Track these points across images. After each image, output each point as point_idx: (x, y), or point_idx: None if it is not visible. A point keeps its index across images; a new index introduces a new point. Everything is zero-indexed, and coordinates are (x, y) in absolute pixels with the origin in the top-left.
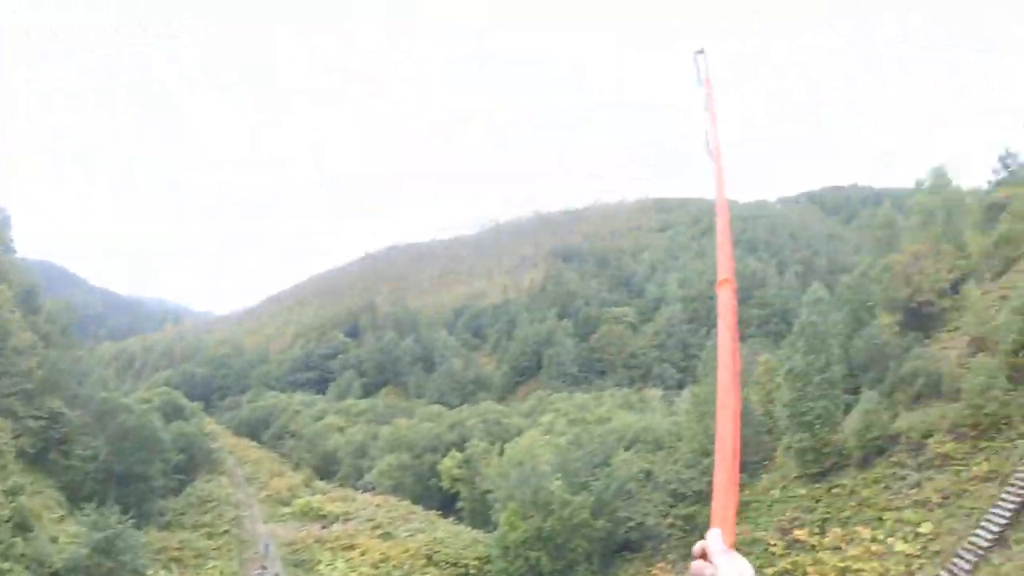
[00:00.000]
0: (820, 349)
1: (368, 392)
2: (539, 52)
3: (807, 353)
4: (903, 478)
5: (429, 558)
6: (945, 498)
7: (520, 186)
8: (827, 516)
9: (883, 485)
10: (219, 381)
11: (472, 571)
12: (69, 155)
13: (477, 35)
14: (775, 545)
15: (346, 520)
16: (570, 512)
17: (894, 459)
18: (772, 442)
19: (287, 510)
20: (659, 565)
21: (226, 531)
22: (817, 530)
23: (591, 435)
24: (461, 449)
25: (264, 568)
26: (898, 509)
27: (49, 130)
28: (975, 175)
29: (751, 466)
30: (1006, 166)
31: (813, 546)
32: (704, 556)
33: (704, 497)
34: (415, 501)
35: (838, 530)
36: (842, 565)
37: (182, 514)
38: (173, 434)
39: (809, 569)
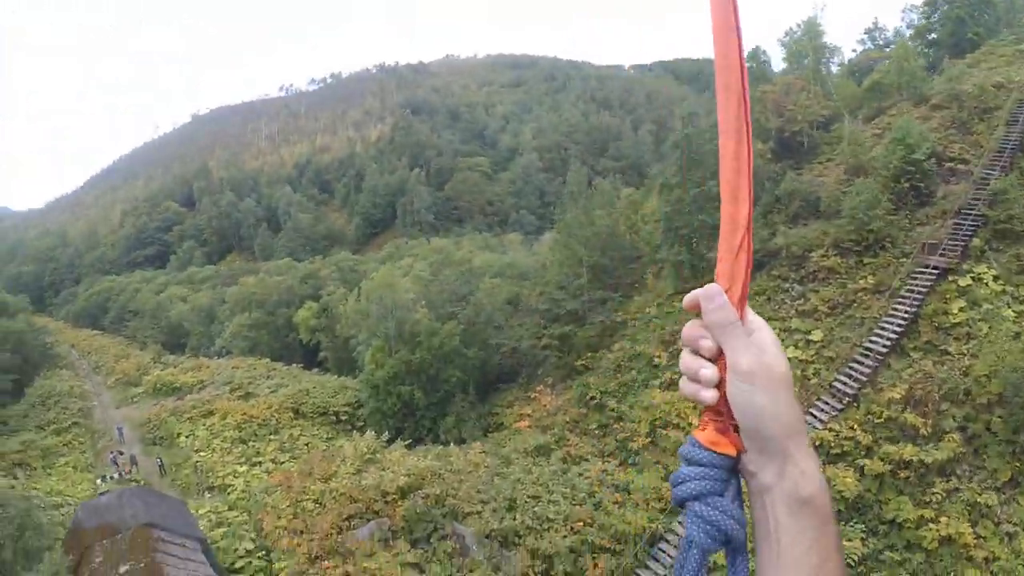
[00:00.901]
0: (695, 164)
1: (212, 261)
2: None
3: (682, 169)
4: (787, 290)
5: (296, 410)
6: (833, 308)
7: (362, 39)
8: None
9: (766, 296)
10: (49, 276)
11: (343, 417)
12: None
13: None
14: (659, 356)
15: (201, 388)
16: (439, 341)
17: (775, 272)
18: (640, 270)
19: (138, 390)
20: (537, 389)
21: (74, 423)
22: None
23: (453, 269)
24: (316, 299)
25: (120, 452)
26: (784, 319)
27: None
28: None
29: (622, 288)
30: (872, 39)
31: None
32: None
33: (577, 317)
34: (275, 359)
35: None
36: None
37: (24, 416)
38: None
39: None
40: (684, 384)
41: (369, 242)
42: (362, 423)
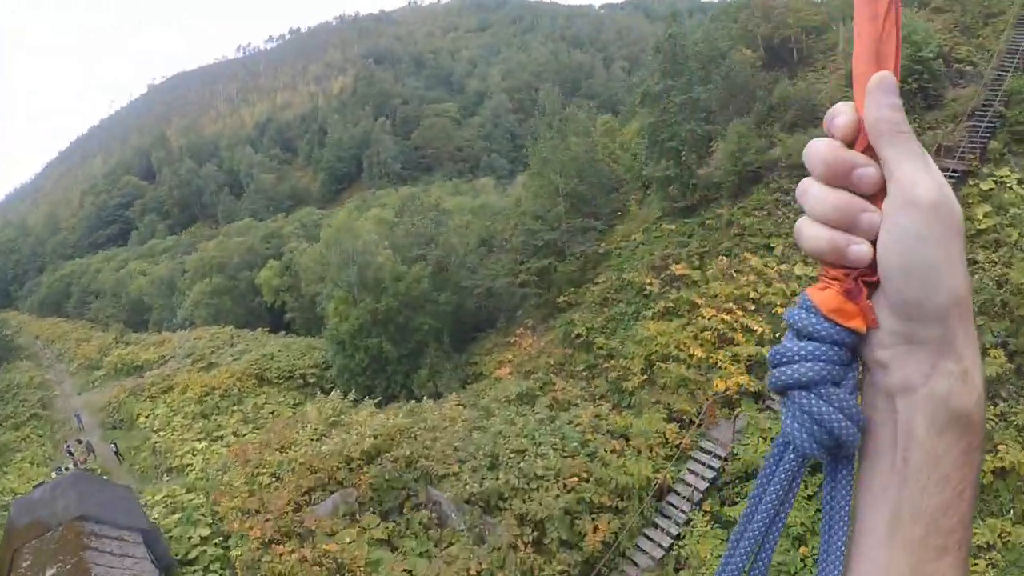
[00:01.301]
0: (680, 70)
1: (175, 232)
2: None
3: (666, 75)
4: (787, 204)
5: (260, 377)
6: None
7: None
8: (704, 250)
9: (765, 212)
10: (12, 269)
11: (311, 379)
12: None
13: None
14: (651, 284)
15: (163, 364)
16: (406, 286)
17: (773, 185)
18: (622, 199)
19: (99, 373)
20: (517, 332)
21: (33, 416)
22: (697, 263)
23: (421, 209)
24: (279, 258)
25: (79, 440)
26: (787, 236)
27: None
28: None
29: (604, 218)
30: None
31: (695, 281)
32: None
33: (557, 250)
34: (239, 325)
35: (724, 259)
36: (738, 292)
37: None
38: None
39: (698, 301)
40: (817, 235)
41: (335, 198)
42: (331, 384)
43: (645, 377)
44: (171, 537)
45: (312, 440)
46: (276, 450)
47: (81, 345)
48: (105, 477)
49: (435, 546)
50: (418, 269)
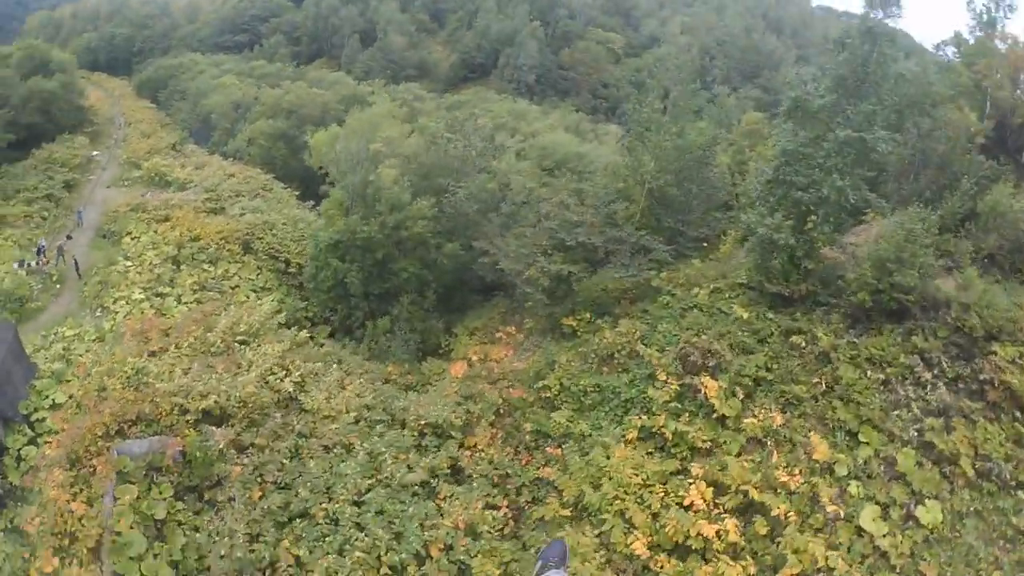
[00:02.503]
0: (862, 92)
1: (298, 62)
2: None
3: (840, 91)
4: (920, 379)
5: (247, 245)
6: None
7: None
8: (762, 374)
9: (887, 371)
10: (140, 43)
11: (292, 270)
12: None
13: None
14: (662, 383)
15: (184, 188)
16: (400, 219)
17: (917, 336)
18: (722, 225)
19: (136, 174)
20: (506, 330)
21: (48, 196)
22: (740, 394)
23: (480, 130)
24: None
25: (69, 238)
26: (899, 440)
27: None
28: None
29: (685, 241)
30: None
31: (724, 417)
32: None
33: (590, 256)
34: (281, 178)
35: (778, 418)
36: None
37: (19, 178)
38: (28, 91)
39: (707, 443)
40: None
41: (459, 86)
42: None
43: (569, 513)
44: (33, 386)
45: (200, 353)
46: (153, 349)
47: (144, 139)
48: (57, 286)
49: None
50: (423, 206)
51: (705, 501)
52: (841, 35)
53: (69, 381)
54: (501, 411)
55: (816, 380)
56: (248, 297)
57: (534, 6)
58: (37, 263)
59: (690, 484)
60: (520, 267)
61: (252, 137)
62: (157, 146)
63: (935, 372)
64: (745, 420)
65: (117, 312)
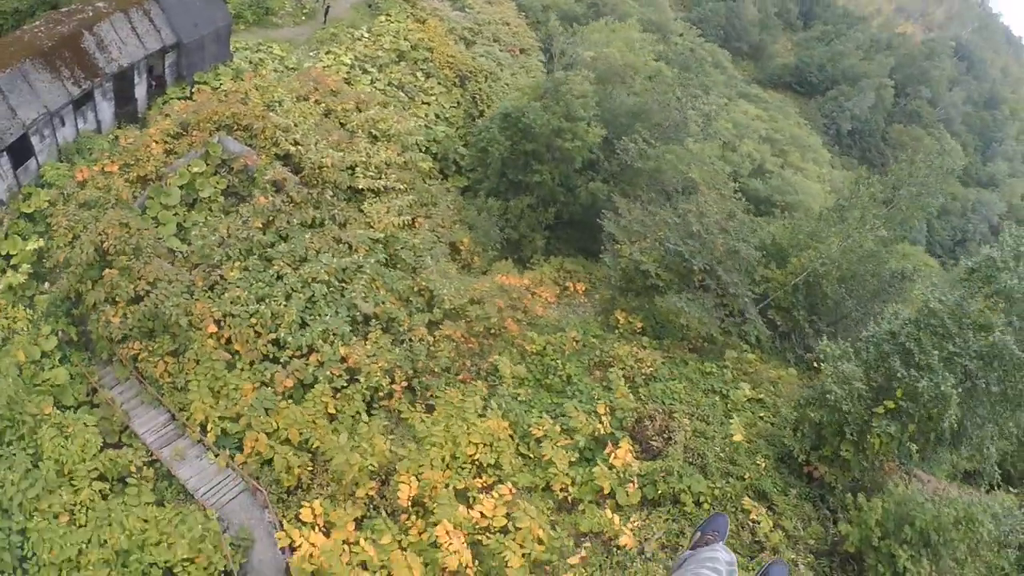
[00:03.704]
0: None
1: None
2: None
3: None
4: None
5: (463, 80)
6: None
7: None
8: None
9: None
10: None
11: (478, 117)
12: None
13: None
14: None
15: (462, 9)
16: (564, 127)
17: None
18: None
19: None
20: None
21: None
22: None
23: (704, 106)
24: None
25: None
26: None
27: None
28: None
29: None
30: None
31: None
32: None
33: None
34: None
35: None
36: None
37: None
38: None
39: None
40: None
41: (776, 87)
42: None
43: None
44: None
45: (334, 120)
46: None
47: None
48: (303, 17)
49: None
50: (594, 133)
51: None
52: None
53: (242, 79)
54: (491, 331)
55: None
56: (438, 115)
57: (905, 70)
58: None
59: None
60: (621, 237)
61: (546, 4)
62: None
63: None
64: None
65: (322, 60)
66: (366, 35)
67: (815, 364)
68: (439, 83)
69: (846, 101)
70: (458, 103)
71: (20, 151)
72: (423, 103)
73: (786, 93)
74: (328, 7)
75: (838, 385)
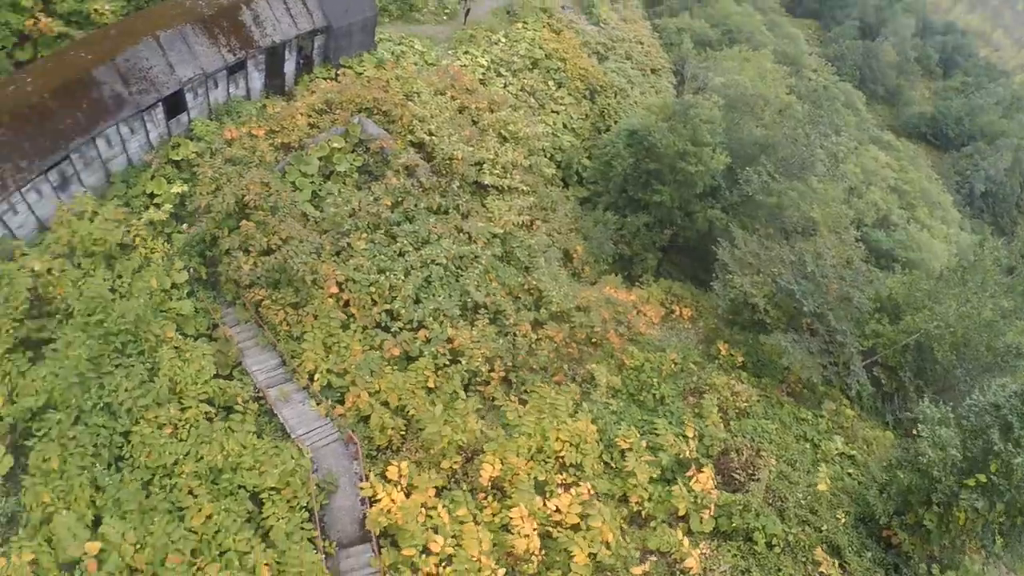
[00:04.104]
0: None
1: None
2: None
3: None
4: None
5: (592, 93)
6: None
7: None
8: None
9: None
10: None
11: (604, 131)
12: None
13: None
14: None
15: (597, 24)
16: (688, 150)
17: None
18: None
19: None
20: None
21: None
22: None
23: (832, 145)
24: None
25: None
26: None
27: None
28: None
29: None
30: None
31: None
32: None
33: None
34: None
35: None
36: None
37: None
38: None
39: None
40: None
41: (911, 137)
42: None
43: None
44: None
45: (467, 117)
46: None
47: None
48: (444, 17)
49: None
50: (720, 159)
51: None
52: None
53: (384, 68)
54: (592, 340)
55: None
56: (565, 125)
57: None
58: None
59: None
60: (734, 267)
61: (681, 27)
62: None
63: None
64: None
65: (459, 59)
66: (503, 40)
67: (914, 431)
68: (569, 93)
69: (982, 159)
70: (586, 115)
71: (174, 104)
72: (552, 111)
73: (919, 143)
74: (468, 9)
75: (933, 449)
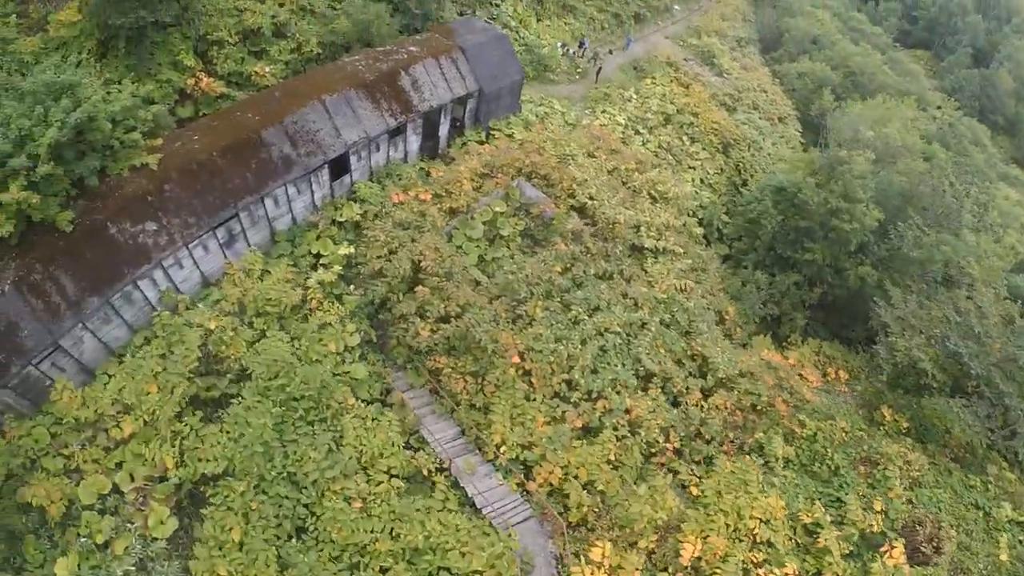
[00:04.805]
0: None
1: (896, 40)
2: None
3: None
4: None
5: (727, 147)
6: None
7: None
8: None
9: None
10: None
11: (741, 187)
12: None
13: None
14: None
15: (720, 75)
16: (841, 208)
17: None
18: None
19: (693, 41)
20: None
21: (616, 14)
22: None
23: (978, 198)
24: None
25: (610, 52)
26: None
27: None
28: None
29: None
30: None
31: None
32: None
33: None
34: (804, 121)
35: None
36: None
37: None
38: None
39: None
40: None
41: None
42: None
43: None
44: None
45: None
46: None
47: (717, 19)
48: (577, 76)
49: None
50: (873, 215)
51: None
52: None
53: (531, 131)
54: (757, 407)
55: None
56: (703, 180)
57: None
58: (574, 52)
59: None
60: (896, 328)
61: (802, 72)
62: (724, 31)
63: None
64: None
65: (597, 118)
66: (635, 96)
67: None
68: (703, 148)
69: None
70: (721, 169)
71: (339, 166)
72: (688, 167)
73: None
74: (600, 67)
75: None
